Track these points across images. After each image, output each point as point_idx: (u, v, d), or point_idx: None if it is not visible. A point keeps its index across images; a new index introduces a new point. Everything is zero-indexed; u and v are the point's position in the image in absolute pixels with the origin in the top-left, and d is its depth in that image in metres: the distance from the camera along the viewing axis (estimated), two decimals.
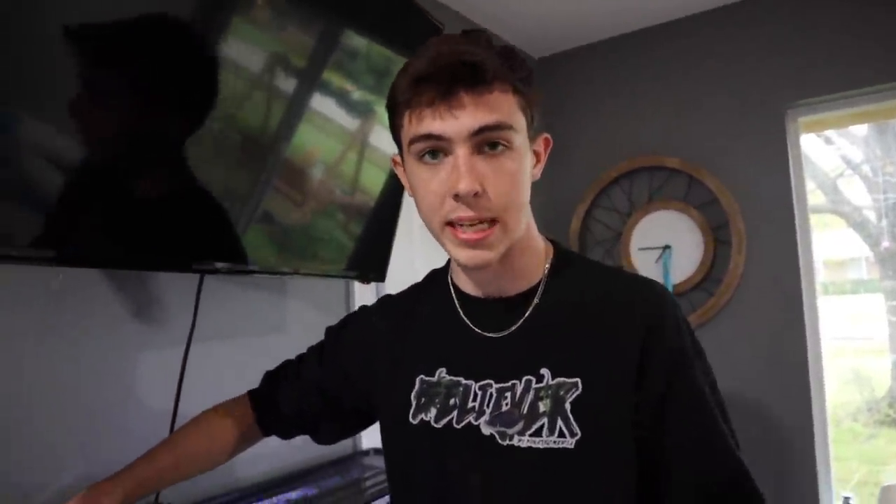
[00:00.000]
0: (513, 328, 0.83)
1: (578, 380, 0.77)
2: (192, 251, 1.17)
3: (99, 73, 0.96)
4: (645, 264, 2.64)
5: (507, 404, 0.79)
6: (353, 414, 1.01)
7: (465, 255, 0.78)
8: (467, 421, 0.81)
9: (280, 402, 1.03)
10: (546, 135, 0.85)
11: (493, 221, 0.76)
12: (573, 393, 0.77)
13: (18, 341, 1.14)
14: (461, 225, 0.76)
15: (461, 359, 0.85)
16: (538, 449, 0.76)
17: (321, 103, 1.38)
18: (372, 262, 1.63)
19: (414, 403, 0.86)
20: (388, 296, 1.04)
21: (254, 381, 1.56)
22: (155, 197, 1.08)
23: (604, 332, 0.79)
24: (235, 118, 1.20)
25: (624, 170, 2.71)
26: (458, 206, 0.75)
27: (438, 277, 0.97)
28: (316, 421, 1.03)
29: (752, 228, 2.45)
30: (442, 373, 0.86)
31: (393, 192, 1.62)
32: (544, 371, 0.79)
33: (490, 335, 0.84)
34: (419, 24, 1.62)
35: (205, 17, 1.11)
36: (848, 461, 4.85)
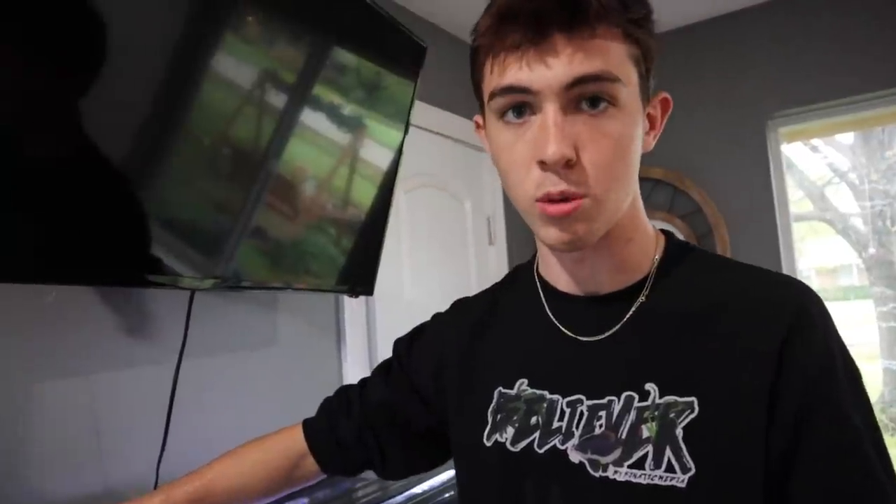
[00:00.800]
0: (612, 331, 0.67)
1: (694, 399, 0.60)
2: (181, 267, 1.19)
3: (87, 85, 0.98)
4: None
5: (600, 426, 0.64)
6: (426, 440, 0.85)
7: (552, 235, 0.62)
8: (552, 444, 0.66)
9: (339, 429, 0.86)
10: (665, 94, 0.69)
11: (585, 195, 0.60)
12: (687, 416, 0.60)
13: (9, 358, 1.15)
14: (551, 200, 0.60)
15: (546, 368, 0.71)
16: (640, 485, 0.60)
17: (312, 118, 1.40)
18: (360, 276, 1.65)
19: (490, 421, 0.72)
20: (463, 298, 0.90)
21: (246, 396, 1.60)
22: (145, 213, 1.10)
23: (729, 341, 0.62)
24: (226, 133, 1.21)
25: None
26: (546, 178, 0.59)
27: (521, 272, 0.82)
28: (382, 450, 0.85)
29: (736, 237, 2.49)
30: (523, 384, 0.71)
31: (381, 206, 1.65)
32: (650, 387, 0.63)
33: (583, 339, 0.68)
34: (405, 44, 1.66)
35: (195, 34, 1.13)
36: None
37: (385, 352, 2.00)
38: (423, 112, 2.18)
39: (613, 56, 0.59)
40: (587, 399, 0.65)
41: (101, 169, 1.02)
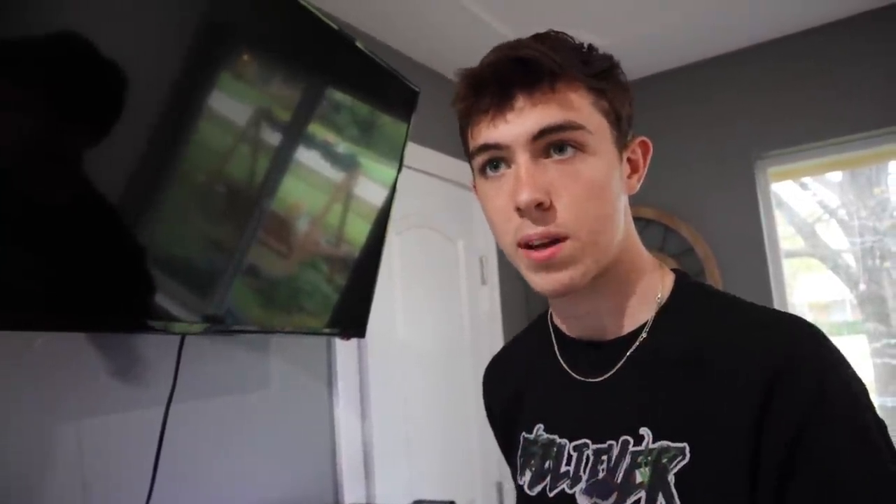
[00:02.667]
0: (613, 370, 0.68)
1: (686, 445, 0.60)
2: (172, 311, 1.18)
3: (79, 124, 0.99)
4: None
5: (602, 470, 0.65)
6: None
7: (538, 281, 0.64)
8: (560, 489, 0.68)
9: None
10: (643, 138, 0.72)
11: (566, 238, 0.62)
12: (679, 462, 0.60)
13: None
14: (532, 245, 0.63)
15: (558, 412, 0.73)
16: None
17: (306, 155, 1.41)
18: (352, 318, 1.65)
19: (518, 465, 0.75)
20: (498, 353, 0.93)
21: (237, 441, 1.58)
22: (136, 256, 1.09)
23: (721, 384, 0.60)
24: (221, 171, 1.21)
25: None
26: (524, 223, 0.63)
27: (541, 318, 0.83)
28: None
29: (728, 276, 2.50)
30: (539, 429, 0.74)
31: (374, 245, 1.65)
32: (644, 431, 0.63)
33: (588, 380, 0.70)
34: (398, 88, 1.68)
35: (191, 71, 1.14)
36: None
37: (377, 395, 2.00)
38: (415, 153, 2.20)
39: (577, 107, 0.63)
40: (592, 443, 0.67)
41: (90, 210, 1.01)
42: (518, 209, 0.62)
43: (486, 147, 0.65)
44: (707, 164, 2.59)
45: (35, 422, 1.19)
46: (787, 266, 2.54)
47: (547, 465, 0.70)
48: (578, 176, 0.63)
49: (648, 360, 0.66)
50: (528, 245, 0.63)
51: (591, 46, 0.69)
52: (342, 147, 1.51)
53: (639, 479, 0.61)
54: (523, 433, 0.76)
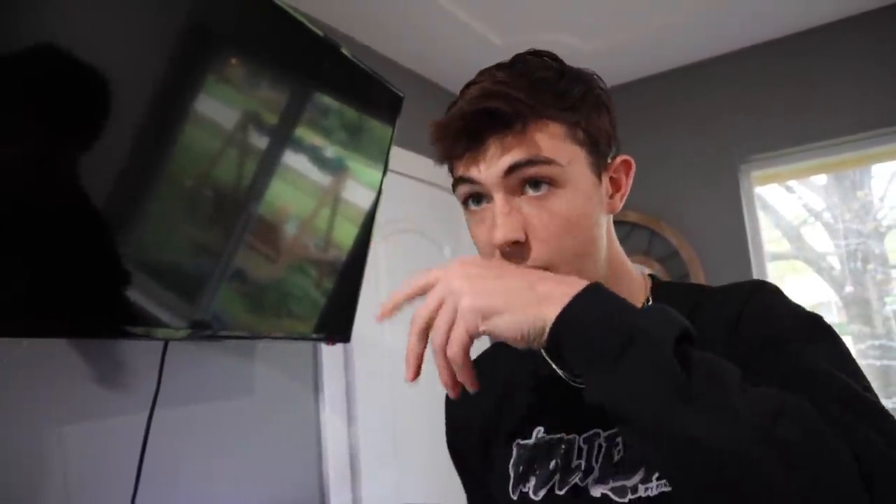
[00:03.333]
0: None
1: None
2: (156, 316, 1.18)
3: (65, 128, 0.99)
4: None
5: (618, 452, 0.67)
6: None
7: None
8: (572, 483, 0.69)
9: None
10: (625, 157, 0.73)
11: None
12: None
13: None
14: None
15: (558, 413, 0.74)
16: (647, 497, 0.64)
17: (293, 159, 1.41)
18: (338, 323, 1.65)
19: (512, 475, 0.74)
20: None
21: (222, 447, 1.57)
22: (120, 261, 1.09)
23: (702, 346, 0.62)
24: (208, 175, 1.21)
25: None
26: (505, 258, 0.65)
27: None
28: None
29: (713, 279, 2.52)
30: (539, 432, 0.75)
31: (359, 249, 1.65)
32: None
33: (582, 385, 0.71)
34: (383, 94, 1.69)
35: (178, 75, 1.14)
36: None
37: (363, 401, 1.99)
38: (402, 157, 2.20)
39: (548, 142, 0.64)
40: (603, 431, 0.69)
41: (74, 214, 1.01)
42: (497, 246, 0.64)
43: (463, 178, 0.67)
44: (692, 167, 2.61)
45: (17, 429, 1.18)
46: (774, 268, 2.56)
47: (553, 464, 0.71)
48: (553, 212, 0.64)
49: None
50: None
51: (564, 72, 0.69)
52: (329, 151, 1.52)
53: (636, 454, 0.65)
54: (517, 441, 0.76)
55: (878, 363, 5.12)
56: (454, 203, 2.66)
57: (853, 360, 0.63)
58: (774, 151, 2.48)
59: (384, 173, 1.70)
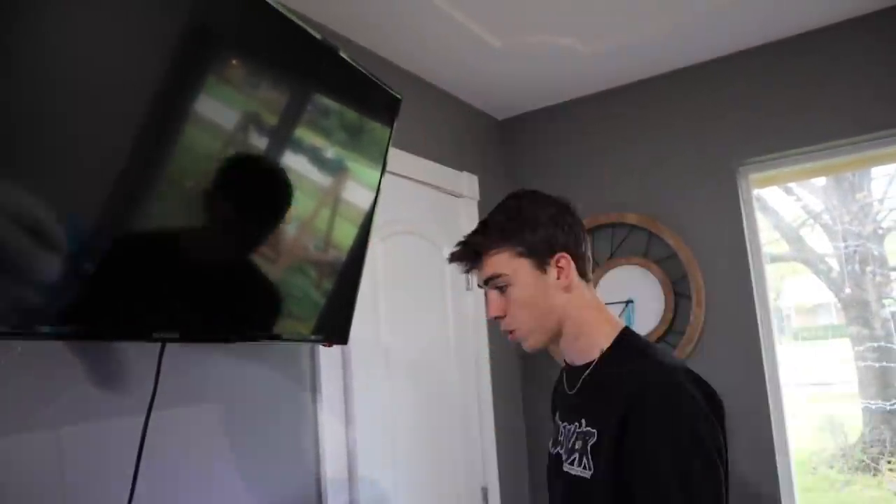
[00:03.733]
0: (575, 389, 1.16)
1: (596, 430, 1.05)
2: (153, 319, 1.18)
3: (69, 130, 0.99)
4: None
5: (571, 440, 1.12)
6: None
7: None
8: (557, 450, 1.18)
9: None
10: (560, 254, 1.14)
11: (514, 330, 1.17)
12: (592, 439, 1.06)
13: None
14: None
15: (561, 408, 1.24)
16: (573, 475, 1.08)
17: (293, 160, 1.41)
18: (336, 325, 1.65)
19: (553, 437, 1.24)
20: None
21: (219, 448, 1.57)
22: (118, 262, 1.09)
23: (613, 399, 1.03)
24: (209, 176, 1.22)
25: (586, 226, 2.76)
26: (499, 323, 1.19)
27: None
28: None
29: (711, 281, 2.52)
30: (558, 416, 1.24)
31: (357, 251, 1.66)
32: (583, 420, 1.10)
33: (569, 392, 1.19)
34: (381, 96, 1.69)
35: (178, 76, 1.14)
36: None
37: (361, 401, 2.00)
38: (400, 159, 2.21)
39: (499, 263, 1.15)
40: (569, 425, 1.15)
41: (73, 215, 1.01)
42: None
43: (478, 284, 1.23)
44: (690, 169, 2.61)
45: (15, 430, 1.19)
46: (774, 270, 2.56)
47: (557, 436, 1.20)
48: (510, 299, 1.15)
49: (590, 382, 1.14)
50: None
51: (510, 212, 1.18)
52: (329, 152, 1.52)
53: (578, 446, 1.09)
54: (555, 418, 1.27)
55: (876, 365, 5.12)
56: (452, 205, 2.70)
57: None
58: (773, 153, 2.48)
59: (382, 174, 1.70)
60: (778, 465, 2.34)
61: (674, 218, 2.61)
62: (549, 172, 2.95)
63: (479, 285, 1.22)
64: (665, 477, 0.95)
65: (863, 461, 5.19)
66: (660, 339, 2.59)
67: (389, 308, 2.17)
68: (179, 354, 1.45)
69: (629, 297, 2.65)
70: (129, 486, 1.23)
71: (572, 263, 1.15)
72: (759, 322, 2.43)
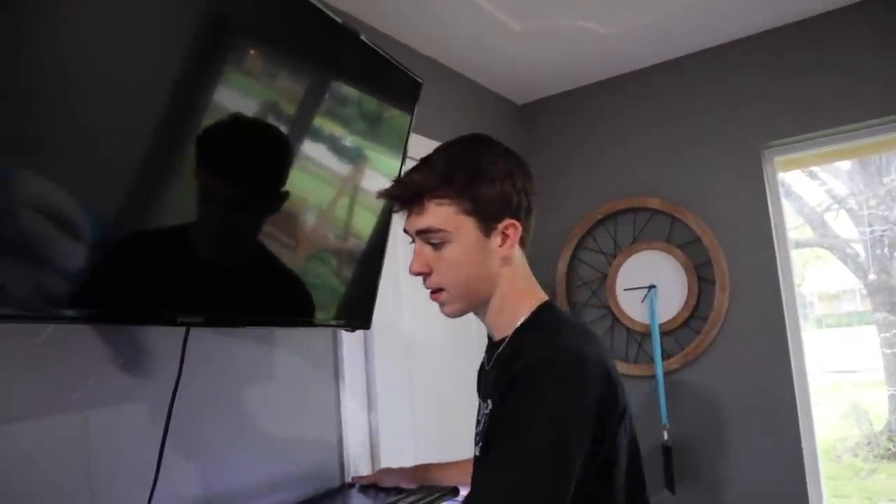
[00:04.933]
0: (490, 366, 1.09)
1: (490, 403, 1.01)
2: (177, 303, 1.19)
3: (90, 122, 1.00)
4: (631, 304, 2.67)
5: (479, 422, 1.07)
6: None
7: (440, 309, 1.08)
8: (476, 432, 1.09)
9: None
10: (510, 220, 1.02)
11: (441, 289, 1.04)
12: (488, 409, 1.02)
13: (5, 395, 1.15)
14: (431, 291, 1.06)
15: (481, 385, 1.16)
16: (476, 454, 1.06)
17: (313, 149, 1.42)
18: (358, 310, 1.66)
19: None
20: None
21: (243, 432, 1.58)
22: (143, 248, 1.10)
23: (505, 379, 0.94)
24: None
25: (608, 211, 2.76)
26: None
27: None
28: None
29: (735, 266, 2.49)
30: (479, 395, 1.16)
31: (379, 238, 1.66)
32: (489, 401, 1.02)
33: (486, 369, 1.11)
34: (402, 80, 1.68)
35: (198, 66, 1.15)
36: (850, 497, 4.81)
37: (383, 386, 2.00)
38: (420, 144, 2.20)
39: (439, 215, 1.00)
40: (483, 403, 1.08)
41: (98, 203, 1.02)
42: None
43: (405, 229, 1.06)
44: (713, 153, 2.57)
45: (42, 412, 1.20)
46: (797, 256, 2.53)
47: (477, 415, 1.10)
48: (442, 258, 1.01)
49: (502, 358, 1.04)
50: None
51: (458, 157, 1.02)
52: (348, 140, 1.52)
53: (481, 428, 1.03)
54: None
55: None
56: None
57: (539, 455, 0.86)
58: (799, 136, 2.44)
59: (403, 161, 1.69)
60: (804, 453, 2.31)
61: (697, 202, 2.58)
62: (569, 157, 2.92)
63: (404, 230, 1.05)
64: (503, 435, 0.89)
65: (889, 449, 5.13)
66: (683, 325, 2.57)
67: (411, 294, 2.16)
68: (204, 339, 1.46)
69: (651, 283, 2.62)
70: (154, 470, 1.25)
71: (519, 233, 1.04)
72: (784, 308, 2.40)
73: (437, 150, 1.05)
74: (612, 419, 0.94)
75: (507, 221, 1.02)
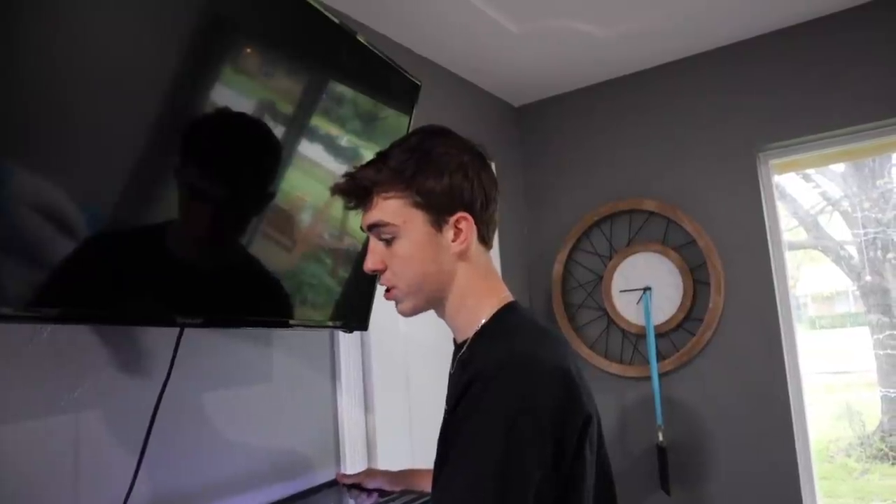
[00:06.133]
0: (453, 368, 1.04)
1: (447, 408, 0.96)
2: (173, 303, 1.19)
3: (87, 120, 1.00)
4: (626, 306, 2.68)
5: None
6: None
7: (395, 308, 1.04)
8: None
9: None
10: (462, 213, 0.97)
11: (394, 287, 1.00)
12: (445, 414, 0.96)
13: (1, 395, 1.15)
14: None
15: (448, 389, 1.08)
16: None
17: (309, 149, 1.41)
18: (355, 312, 1.66)
19: None
20: None
21: (238, 431, 1.58)
22: (139, 249, 1.11)
23: (460, 386, 0.89)
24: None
25: (604, 213, 2.77)
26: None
27: None
28: None
29: (730, 268, 2.50)
30: None
31: None
32: (447, 405, 0.98)
33: (451, 372, 1.05)
34: (399, 82, 1.69)
35: (194, 65, 1.15)
36: (843, 498, 4.83)
37: (380, 387, 2.01)
38: None
39: (387, 210, 0.96)
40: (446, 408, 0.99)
41: (97, 203, 1.02)
42: None
43: (360, 227, 1.02)
44: (710, 156, 2.59)
45: (35, 413, 1.20)
46: (791, 258, 2.54)
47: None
48: (394, 254, 0.98)
49: (462, 363, 0.97)
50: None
51: (411, 150, 0.97)
52: (345, 140, 1.52)
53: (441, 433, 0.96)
54: None
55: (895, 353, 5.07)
56: None
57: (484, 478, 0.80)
58: (794, 138, 2.45)
59: None
60: (798, 453, 2.33)
61: (693, 204, 2.59)
62: (565, 159, 2.93)
63: (361, 228, 1.02)
64: (454, 449, 0.85)
65: (881, 450, 5.15)
66: (678, 326, 2.58)
67: None
68: (200, 340, 1.46)
69: (647, 285, 2.63)
70: (135, 469, 1.24)
71: (474, 227, 0.98)
72: (778, 309, 2.41)
73: (392, 144, 1.01)
74: (571, 427, 0.86)
75: (459, 214, 0.97)
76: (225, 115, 1.21)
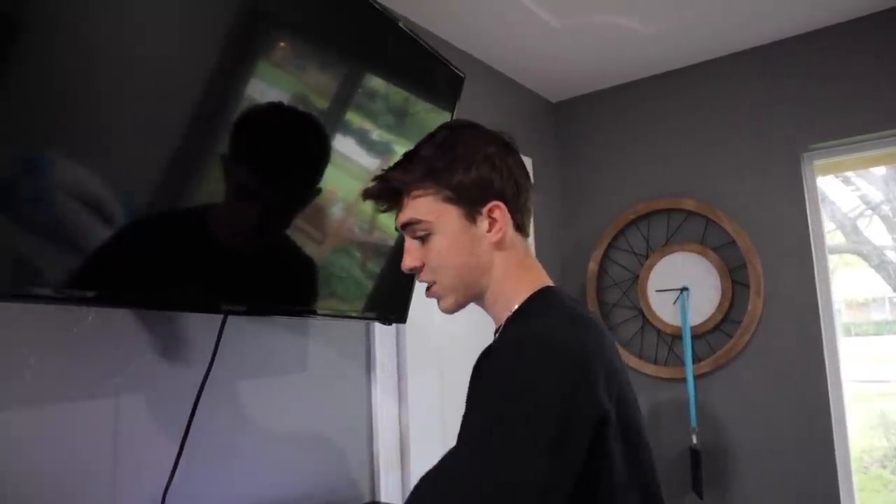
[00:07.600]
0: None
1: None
2: (220, 292, 1.20)
3: (130, 115, 1.01)
4: (662, 306, 2.64)
5: None
6: None
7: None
8: None
9: None
10: (495, 202, 0.97)
11: (434, 283, 1.00)
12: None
13: (42, 377, 1.16)
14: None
15: None
16: None
17: (341, 143, 1.41)
18: (393, 304, 1.65)
19: None
20: None
21: (273, 421, 1.59)
22: (180, 238, 1.12)
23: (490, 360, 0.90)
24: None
25: (641, 212, 2.73)
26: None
27: None
28: None
29: (770, 270, 2.45)
30: None
31: None
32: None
33: None
34: (443, 74, 1.67)
35: (229, 59, 1.14)
36: None
37: (415, 380, 2.00)
38: None
39: (420, 207, 0.97)
40: None
41: (136, 195, 1.03)
42: None
43: (395, 227, 1.03)
44: (751, 155, 2.54)
45: (76, 397, 1.21)
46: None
47: None
48: (430, 250, 0.98)
49: (494, 348, 0.93)
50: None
51: (440, 146, 0.98)
52: (377, 134, 1.51)
53: None
54: None
55: None
56: None
57: (498, 439, 0.78)
58: (839, 140, 2.40)
59: None
60: (837, 462, 2.28)
61: (733, 204, 2.54)
62: (602, 156, 2.90)
63: (396, 228, 1.03)
64: (461, 429, 0.85)
65: None
66: (715, 328, 2.54)
67: None
68: (241, 329, 1.47)
69: (684, 285, 2.59)
70: (176, 456, 1.25)
71: (508, 216, 0.98)
72: (820, 315, 2.36)
73: (419, 142, 1.01)
74: (578, 414, 0.79)
75: (492, 204, 0.97)
76: (273, 109, 1.22)
